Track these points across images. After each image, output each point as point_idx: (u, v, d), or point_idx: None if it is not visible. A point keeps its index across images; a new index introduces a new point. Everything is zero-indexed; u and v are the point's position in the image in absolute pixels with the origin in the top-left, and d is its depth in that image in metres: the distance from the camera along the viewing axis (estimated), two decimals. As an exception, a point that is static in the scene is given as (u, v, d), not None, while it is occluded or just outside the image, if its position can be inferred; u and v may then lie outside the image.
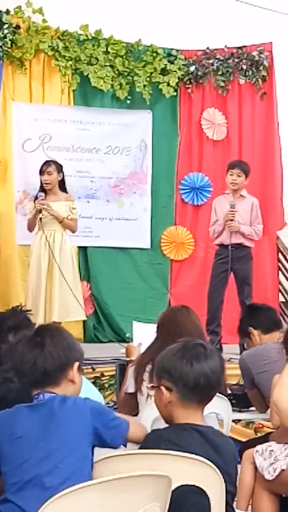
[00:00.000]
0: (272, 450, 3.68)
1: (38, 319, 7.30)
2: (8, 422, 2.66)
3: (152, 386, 2.90)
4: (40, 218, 7.34)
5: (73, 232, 7.66)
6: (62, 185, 7.56)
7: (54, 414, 2.64)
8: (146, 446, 2.75)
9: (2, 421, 2.68)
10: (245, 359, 4.52)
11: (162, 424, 2.88)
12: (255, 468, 3.74)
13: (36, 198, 7.47)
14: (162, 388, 2.79)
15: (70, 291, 7.50)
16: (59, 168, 7.54)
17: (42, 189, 7.46)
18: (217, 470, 2.61)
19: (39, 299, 7.40)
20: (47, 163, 7.57)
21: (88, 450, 2.65)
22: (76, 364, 2.77)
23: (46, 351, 2.72)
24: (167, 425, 2.85)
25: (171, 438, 2.69)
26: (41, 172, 7.47)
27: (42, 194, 7.41)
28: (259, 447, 3.75)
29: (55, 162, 7.59)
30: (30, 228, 7.52)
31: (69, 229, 7.56)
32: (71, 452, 2.58)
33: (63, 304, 7.47)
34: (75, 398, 2.73)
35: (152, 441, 2.73)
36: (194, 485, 2.60)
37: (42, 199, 7.34)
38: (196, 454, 2.62)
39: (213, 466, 2.61)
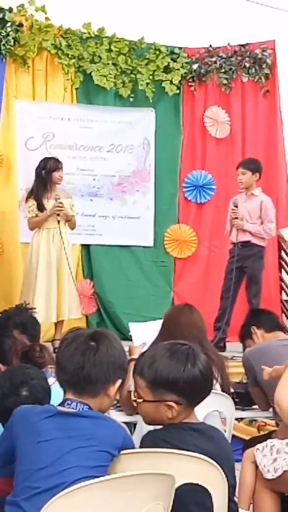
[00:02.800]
0: (273, 446, 3.68)
1: (51, 318, 7.35)
2: (33, 423, 2.58)
3: (144, 400, 2.75)
4: (58, 221, 7.43)
5: (73, 229, 7.70)
6: None
7: (86, 429, 2.56)
8: (143, 447, 2.73)
9: (26, 420, 2.61)
10: (248, 356, 4.52)
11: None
12: (256, 467, 3.74)
13: (30, 196, 7.51)
14: (171, 404, 2.69)
15: (75, 289, 7.62)
16: None
17: (45, 185, 7.48)
18: (219, 468, 2.61)
19: (50, 297, 7.42)
20: (59, 160, 7.61)
21: (103, 473, 2.53)
22: (119, 382, 2.68)
23: (97, 358, 2.62)
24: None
25: (166, 438, 2.67)
26: (57, 169, 7.51)
27: (59, 195, 7.47)
28: (259, 445, 3.75)
29: None
30: (36, 226, 7.53)
31: (71, 226, 7.61)
32: (88, 473, 2.48)
33: (70, 302, 7.56)
34: (112, 423, 2.64)
35: (149, 442, 2.71)
36: (197, 484, 2.60)
37: (61, 202, 7.40)
38: (195, 451, 2.61)
39: (215, 464, 2.60)
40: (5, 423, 2.86)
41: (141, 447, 2.73)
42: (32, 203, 7.50)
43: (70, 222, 7.57)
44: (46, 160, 7.63)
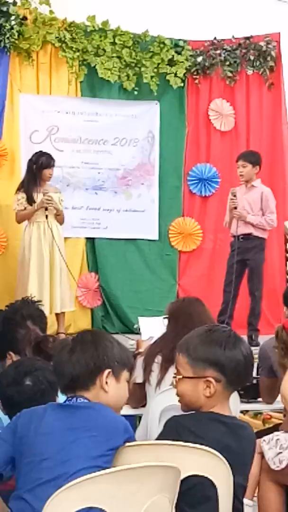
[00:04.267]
0: (278, 439, 3.68)
1: (45, 311, 7.37)
2: (37, 416, 2.63)
3: (184, 377, 2.78)
4: (46, 216, 7.53)
5: (61, 224, 7.77)
6: None
7: (87, 421, 2.59)
8: (164, 433, 2.73)
9: (32, 414, 2.65)
10: (265, 347, 4.51)
11: (171, 414, 2.86)
12: (262, 458, 3.74)
13: (19, 189, 7.62)
14: (211, 379, 2.72)
15: (67, 282, 7.69)
16: None
17: (36, 180, 7.58)
18: (226, 462, 2.61)
19: (43, 290, 7.49)
20: (52, 157, 7.67)
21: (107, 465, 2.54)
22: (106, 371, 2.69)
23: (73, 357, 2.68)
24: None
25: (190, 427, 2.67)
26: (49, 166, 7.58)
27: (47, 189, 7.58)
28: (266, 437, 3.74)
29: None
30: (24, 219, 7.65)
31: (60, 221, 7.69)
32: (90, 463, 2.50)
33: (63, 295, 7.63)
34: (111, 413, 2.67)
35: (171, 428, 2.71)
36: (204, 476, 2.60)
37: (49, 196, 7.47)
38: (216, 445, 2.60)
39: (222, 457, 2.60)
40: (8, 412, 2.88)
41: (163, 432, 2.75)
42: (22, 196, 7.58)
43: (59, 216, 7.65)
44: (39, 155, 7.70)
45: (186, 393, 2.78)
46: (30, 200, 7.55)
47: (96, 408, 2.63)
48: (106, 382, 2.68)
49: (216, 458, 2.59)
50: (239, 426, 2.79)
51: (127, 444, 2.61)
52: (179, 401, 2.83)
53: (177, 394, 2.83)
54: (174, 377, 2.82)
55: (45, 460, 2.53)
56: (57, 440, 2.55)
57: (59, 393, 2.91)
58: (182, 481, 2.52)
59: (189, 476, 2.56)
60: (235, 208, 7.66)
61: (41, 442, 2.56)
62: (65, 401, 2.71)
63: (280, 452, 3.61)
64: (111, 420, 2.63)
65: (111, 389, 2.69)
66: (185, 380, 2.77)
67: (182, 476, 2.52)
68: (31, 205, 7.55)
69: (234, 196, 7.69)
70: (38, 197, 7.57)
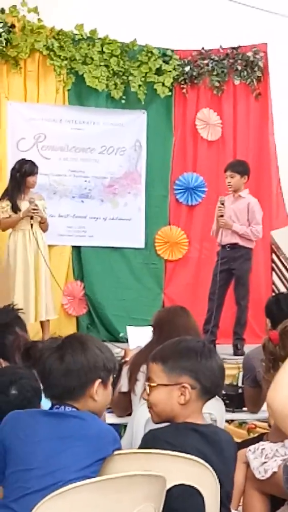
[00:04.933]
0: (263, 449, 3.69)
1: (29, 319, 7.36)
2: (25, 423, 2.59)
3: (158, 384, 2.76)
4: (31, 225, 7.54)
5: (45, 231, 7.77)
6: None
7: (76, 430, 2.56)
8: (142, 446, 2.73)
9: (19, 421, 2.62)
10: (250, 356, 4.52)
11: (156, 424, 2.86)
12: (247, 467, 3.75)
13: (6, 196, 7.61)
14: (186, 385, 2.72)
15: (51, 290, 7.71)
16: None
17: (20, 188, 7.59)
18: (212, 470, 2.60)
19: (28, 298, 7.49)
20: (35, 164, 7.68)
21: (95, 475, 2.53)
22: (97, 382, 2.66)
23: (64, 367, 2.64)
24: (160, 425, 2.84)
25: (168, 439, 2.66)
26: (33, 174, 7.60)
27: (33, 198, 7.55)
28: (251, 447, 3.76)
29: None
30: (8, 228, 7.66)
31: (44, 228, 7.70)
32: (79, 473, 2.48)
33: (47, 303, 7.65)
34: (101, 424, 2.66)
35: (149, 441, 2.70)
36: (191, 486, 2.59)
37: (36, 205, 7.48)
38: (195, 454, 2.60)
39: (208, 466, 2.60)
40: None
41: (141, 445, 2.73)
42: (6, 203, 7.59)
43: (43, 224, 7.65)
44: (22, 163, 7.70)
45: (160, 402, 2.76)
46: (15, 208, 7.54)
47: (85, 417, 2.61)
48: (96, 392, 2.67)
49: (202, 467, 2.59)
50: (215, 433, 2.79)
51: (115, 452, 2.60)
52: (150, 411, 2.81)
53: (149, 406, 2.80)
54: (149, 385, 2.80)
55: (33, 469, 2.50)
56: (45, 449, 2.53)
57: (43, 397, 2.88)
58: (168, 490, 2.52)
59: (175, 485, 2.56)
60: (222, 216, 7.66)
61: (29, 451, 2.53)
62: (51, 408, 2.68)
63: (265, 462, 3.62)
64: (101, 430, 2.61)
65: (100, 397, 2.68)
66: (159, 388, 2.75)
67: (169, 485, 2.52)
68: (16, 213, 7.55)
69: (222, 204, 7.70)
70: (23, 204, 7.56)
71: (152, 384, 2.77)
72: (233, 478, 2.81)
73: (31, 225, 7.55)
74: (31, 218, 7.53)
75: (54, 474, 2.47)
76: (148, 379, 2.82)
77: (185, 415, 2.73)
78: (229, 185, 7.80)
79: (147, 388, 2.79)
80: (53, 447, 2.53)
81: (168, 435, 2.68)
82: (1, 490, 2.63)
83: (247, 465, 3.74)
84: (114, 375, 2.85)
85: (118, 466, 2.56)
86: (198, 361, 2.74)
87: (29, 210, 7.50)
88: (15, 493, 2.51)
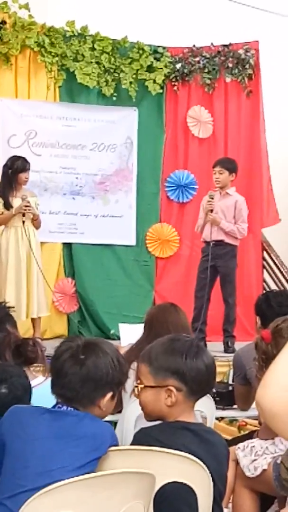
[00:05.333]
0: (253, 446, 3.70)
1: (21, 316, 7.35)
2: (25, 420, 2.59)
3: (145, 386, 2.77)
4: (23, 221, 7.51)
5: (38, 229, 7.76)
6: None
7: (74, 429, 2.56)
8: (134, 444, 2.73)
9: (19, 417, 2.61)
10: (240, 354, 4.53)
11: (146, 422, 2.86)
12: (236, 465, 3.75)
13: (0, 195, 7.58)
14: (172, 388, 2.71)
15: (43, 287, 7.68)
16: None
17: (12, 185, 7.58)
18: (205, 468, 2.60)
19: (20, 295, 7.48)
20: (27, 161, 7.67)
21: (93, 470, 2.54)
22: (109, 394, 2.67)
23: (84, 373, 2.62)
24: (150, 422, 2.84)
25: (159, 438, 2.66)
26: (24, 170, 7.58)
27: (26, 194, 7.54)
28: (240, 444, 3.76)
29: None
30: (1, 224, 7.68)
31: (36, 225, 7.68)
32: (76, 473, 2.46)
33: (40, 299, 7.62)
34: (100, 421, 2.66)
35: (140, 440, 2.71)
36: (184, 483, 2.59)
37: (28, 201, 7.46)
38: (186, 452, 2.61)
39: (201, 463, 2.60)
40: None
41: (132, 443, 2.74)
42: None
43: (36, 221, 7.64)
44: (14, 159, 7.70)
45: (149, 403, 2.77)
46: (7, 205, 7.54)
47: (83, 417, 2.61)
48: (105, 403, 2.67)
49: (195, 465, 2.59)
50: (207, 432, 2.79)
51: (110, 449, 2.60)
52: (142, 410, 2.83)
53: (140, 404, 2.82)
54: (136, 386, 2.82)
55: (29, 467, 2.50)
56: (43, 448, 2.53)
57: (49, 393, 2.86)
58: (162, 487, 2.52)
59: (169, 482, 2.56)
60: (211, 211, 7.65)
61: (26, 449, 2.53)
62: (54, 406, 2.67)
63: (255, 459, 3.62)
64: (97, 429, 2.61)
65: (106, 407, 2.69)
66: (147, 389, 2.76)
67: (163, 482, 2.52)
68: (8, 209, 7.54)
69: (212, 198, 7.68)
70: (15, 201, 7.56)
71: (140, 386, 2.78)
72: (226, 476, 2.82)
73: (23, 222, 7.54)
74: (23, 215, 7.52)
75: (51, 473, 2.46)
76: (138, 379, 2.83)
77: (175, 415, 2.74)
78: (217, 181, 7.78)
79: (136, 389, 2.81)
80: (50, 446, 2.53)
81: (159, 434, 2.69)
82: None
83: (237, 462, 3.74)
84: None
85: (113, 462, 2.57)
86: (184, 363, 2.72)
87: (21, 207, 7.50)
88: (9, 489, 2.50)
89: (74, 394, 2.62)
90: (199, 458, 2.62)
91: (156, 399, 2.75)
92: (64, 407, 2.63)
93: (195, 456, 2.62)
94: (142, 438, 2.71)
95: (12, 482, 2.51)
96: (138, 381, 2.81)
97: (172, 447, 2.62)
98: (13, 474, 2.52)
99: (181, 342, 2.81)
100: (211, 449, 2.71)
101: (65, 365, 2.64)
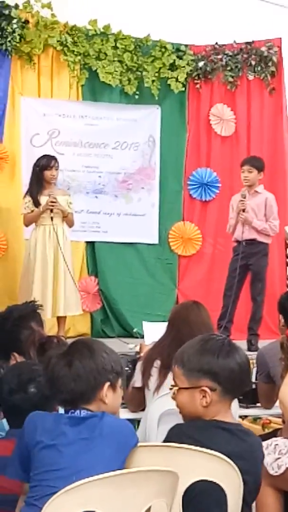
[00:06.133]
0: (277, 444, 3.68)
1: (47, 314, 7.37)
2: (49, 428, 2.61)
3: (180, 388, 2.79)
4: (51, 218, 7.51)
5: (70, 227, 7.77)
6: None
7: (96, 430, 2.59)
8: (168, 440, 2.73)
9: (43, 424, 2.64)
10: (263, 352, 4.51)
11: (170, 419, 2.88)
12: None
13: (27, 193, 7.62)
14: (206, 389, 2.73)
15: (73, 285, 7.67)
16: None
17: (39, 182, 7.58)
18: (235, 467, 2.60)
19: (46, 294, 7.49)
20: (54, 158, 7.69)
21: (121, 467, 2.57)
22: (106, 385, 2.69)
23: (73, 372, 2.66)
24: (173, 421, 2.84)
25: (194, 435, 2.67)
26: (49, 167, 7.58)
27: (53, 191, 7.57)
28: (264, 443, 3.74)
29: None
30: (31, 222, 7.65)
31: (69, 223, 7.69)
32: (107, 469, 2.48)
33: (68, 298, 7.61)
34: (117, 420, 2.71)
35: (175, 436, 2.71)
36: (214, 482, 2.59)
37: (54, 197, 7.47)
38: (220, 452, 2.60)
39: (231, 462, 2.59)
40: (12, 420, 2.88)
41: (166, 439, 2.75)
42: (28, 199, 7.60)
43: (67, 219, 7.66)
44: (41, 157, 7.76)
45: (185, 405, 2.79)
46: (36, 203, 7.55)
47: (102, 416, 2.64)
48: (106, 395, 2.69)
49: (225, 464, 2.58)
50: (244, 432, 2.79)
51: (139, 444, 2.62)
52: (180, 412, 2.85)
53: (177, 406, 2.84)
54: (171, 388, 2.85)
55: (60, 470, 2.53)
56: (71, 452, 2.56)
57: None
58: (191, 485, 2.53)
59: (198, 480, 2.56)
60: (243, 210, 7.64)
61: (54, 453, 2.56)
62: (66, 413, 2.70)
63: (279, 458, 3.61)
64: (118, 426, 2.65)
65: (110, 400, 2.70)
66: (182, 391, 2.78)
67: (192, 481, 2.52)
68: (37, 208, 7.56)
69: (244, 197, 7.69)
70: (42, 199, 7.57)
71: (175, 388, 2.80)
72: (260, 478, 2.81)
73: (52, 218, 7.53)
74: (51, 211, 7.52)
75: (80, 473, 2.47)
76: (174, 381, 2.85)
77: (211, 415, 2.75)
78: (245, 179, 7.77)
79: (171, 391, 2.84)
80: (77, 449, 2.56)
81: (195, 432, 2.69)
82: (27, 489, 2.65)
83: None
84: (123, 378, 2.85)
85: (141, 459, 2.59)
86: (216, 362, 2.73)
87: (47, 203, 7.50)
88: (41, 492, 2.53)
89: (72, 394, 2.66)
90: (235, 458, 2.61)
91: (191, 400, 2.76)
92: (77, 412, 2.66)
93: (231, 456, 2.61)
94: (177, 434, 2.72)
95: (43, 485, 2.54)
96: (174, 384, 2.84)
97: (206, 445, 2.62)
98: (42, 479, 2.55)
99: (212, 341, 2.81)
100: (247, 450, 2.71)
101: (55, 372, 2.68)
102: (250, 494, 2.71)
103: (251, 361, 6.04)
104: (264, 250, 7.77)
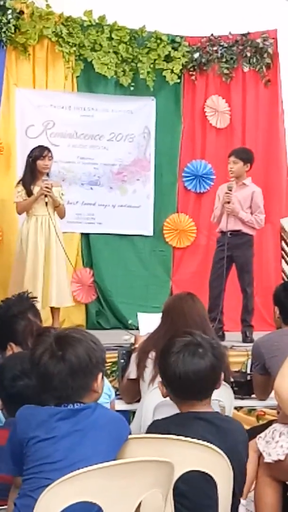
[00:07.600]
0: (275, 430, 3.69)
1: (37, 305, 7.32)
2: (42, 422, 2.60)
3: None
4: (46, 203, 7.41)
5: (62, 218, 7.69)
6: None
7: (89, 422, 2.59)
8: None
9: (35, 418, 2.62)
10: (259, 344, 4.51)
11: (165, 410, 2.89)
12: (258, 456, 3.74)
13: (21, 181, 7.53)
14: (159, 384, 2.90)
15: (65, 277, 7.63)
16: None
17: (32, 173, 7.49)
18: (225, 457, 2.61)
19: (36, 284, 7.44)
20: (47, 148, 7.63)
21: (114, 459, 2.56)
22: (99, 376, 2.69)
23: (68, 367, 2.63)
24: (168, 412, 2.86)
25: (170, 429, 2.69)
26: (42, 157, 7.51)
27: (47, 177, 7.48)
28: (262, 434, 3.76)
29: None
30: (24, 210, 7.54)
31: (60, 214, 7.62)
32: (102, 460, 2.48)
33: (60, 290, 7.56)
34: (110, 411, 2.75)
35: (152, 432, 2.73)
36: (204, 472, 2.60)
37: (49, 184, 7.40)
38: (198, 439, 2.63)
39: (221, 452, 2.60)
40: (12, 409, 2.87)
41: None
42: (21, 188, 7.51)
43: (58, 209, 7.56)
44: (34, 148, 7.66)
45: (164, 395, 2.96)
46: (29, 193, 7.50)
47: (95, 408, 2.64)
48: (98, 385, 2.70)
49: (215, 454, 2.59)
50: (223, 420, 2.80)
51: (130, 436, 2.63)
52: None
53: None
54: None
55: (55, 462, 2.53)
56: (66, 444, 2.55)
57: None
58: (181, 476, 2.53)
59: (188, 471, 2.57)
60: (228, 202, 7.62)
61: (49, 446, 2.56)
62: (59, 406, 2.67)
63: (277, 442, 3.62)
64: (113, 418, 2.67)
65: (100, 388, 2.72)
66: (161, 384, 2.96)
67: (183, 471, 2.53)
68: (29, 197, 7.50)
69: (230, 190, 7.65)
70: (35, 189, 7.49)
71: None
72: (245, 467, 2.82)
73: (46, 203, 7.40)
74: (45, 196, 7.43)
75: (76, 465, 2.47)
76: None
77: (187, 408, 2.80)
78: (231, 170, 7.72)
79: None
80: (72, 441, 2.56)
81: (171, 425, 2.73)
82: (20, 482, 2.66)
83: (258, 454, 3.74)
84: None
85: (132, 450, 2.59)
86: (166, 364, 2.81)
87: (42, 188, 7.43)
88: (37, 483, 2.52)
89: (69, 391, 2.64)
90: (215, 444, 2.63)
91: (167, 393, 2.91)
92: (70, 405, 2.64)
93: (210, 442, 2.63)
94: (153, 430, 2.76)
95: (38, 478, 2.54)
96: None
97: (185, 435, 2.63)
98: (37, 471, 2.55)
99: (176, 344, 2.86)
100: (227, 437, 2.72)
101: (48, 368, 2.64)
102: (236, 482, 2.71)
103: (246, 353, 6.09)
104: (249, 241, 7.73)
